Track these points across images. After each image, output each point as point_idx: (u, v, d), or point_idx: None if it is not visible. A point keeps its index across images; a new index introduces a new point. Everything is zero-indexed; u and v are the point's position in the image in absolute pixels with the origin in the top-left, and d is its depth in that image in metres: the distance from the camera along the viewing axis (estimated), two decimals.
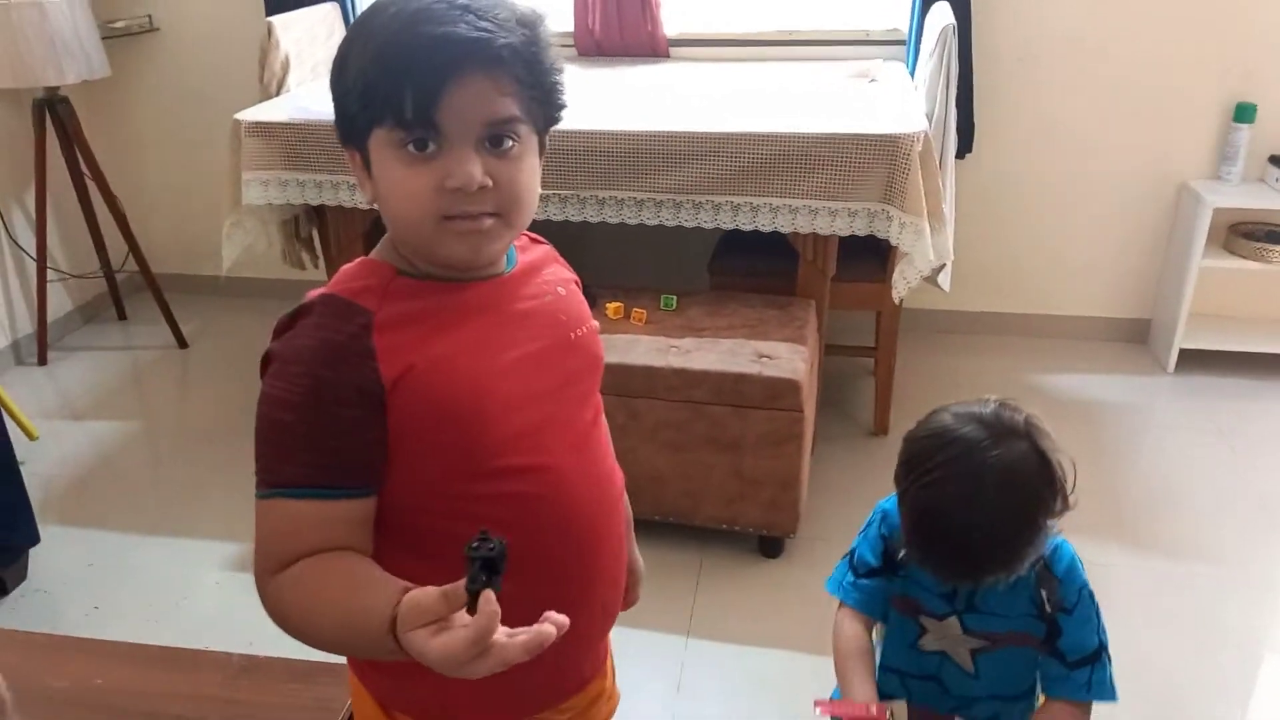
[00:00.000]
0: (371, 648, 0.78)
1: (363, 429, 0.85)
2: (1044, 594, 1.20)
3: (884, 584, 1.29)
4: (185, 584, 2.29)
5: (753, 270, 2.66)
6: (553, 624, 0.75)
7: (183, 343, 3.44)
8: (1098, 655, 1.21)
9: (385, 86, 0.82)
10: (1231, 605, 2.16)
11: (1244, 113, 2.90)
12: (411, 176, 0.84)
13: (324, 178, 2.48)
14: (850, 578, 1.32)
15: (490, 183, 0.85)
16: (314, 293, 0.91)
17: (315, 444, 0.85)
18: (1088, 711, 1.22)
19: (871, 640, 1.31)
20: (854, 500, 2.42)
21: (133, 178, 3.66)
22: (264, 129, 2.49)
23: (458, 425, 0.88)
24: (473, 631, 0.71)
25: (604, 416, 1.04)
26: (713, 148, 2.27)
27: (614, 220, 2.40)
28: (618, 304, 2.38)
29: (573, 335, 0.98)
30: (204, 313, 3.60)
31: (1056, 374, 3.10)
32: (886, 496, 1.29)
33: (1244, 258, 2.93)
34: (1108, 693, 1.22)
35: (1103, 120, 3.03)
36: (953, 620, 1.25)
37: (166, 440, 2.91)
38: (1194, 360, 3.05)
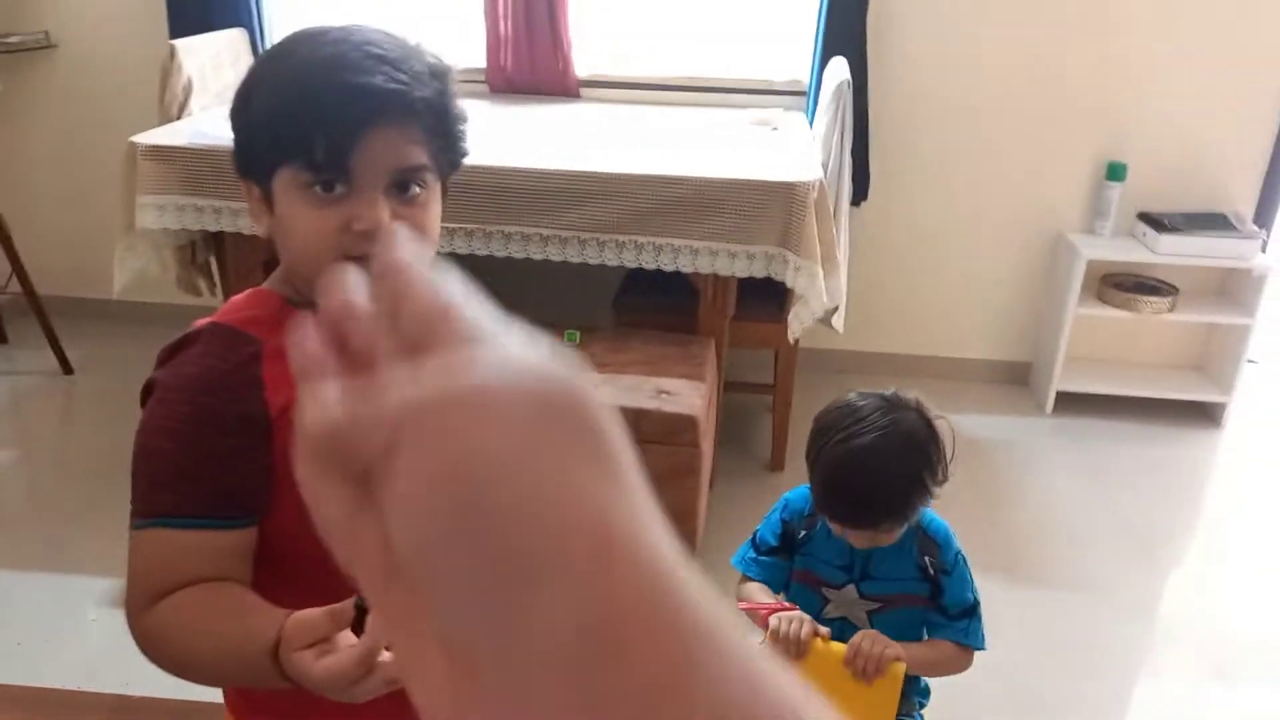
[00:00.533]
0: (254, 675, 0.78)
1: (246, 458, 0.85)
2: (926, 559, 1.44)
3: (784, 562, 1.50)
4: (62, 622, 2.20)
5: (655, 308, 2.71)
6: None
7: (67, 368, 3.31)
8: (974, 609, 1.44)
9: (298, 130, 0.83)
10: (1103, 629, 2.28)
11: (1115, 171, 3.09)
12: (317, 217, 0.85)
13: (223, 204, 2.44)
14: (752, 554, 1.52)
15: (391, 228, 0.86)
16: (200, 322, 0.91)
17: (197, 472, 0.84)
18: (966, 653, 1.44)
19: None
20: (751, 532, 2.48)
21: (20, 195, 3.53)
22: (162, 152, 2.44)
23: None
24: (359, 650, 0.72)
25: None
26: (619, 188, 2.32)
27: (520, 255, 2.42)
28: None
29: None
30: (92, 338, 3.48)
31: (944, 413, 3.22)
32: (791, 489, 1.54)
33: (1115, 307, 3.11)
34: (980, 641, 1.44)
35: (988, 173, 3.19)
36: (850, 588, 1.46)
37: (46, 471, 2.79)
38: (1070, 402, 3.22)
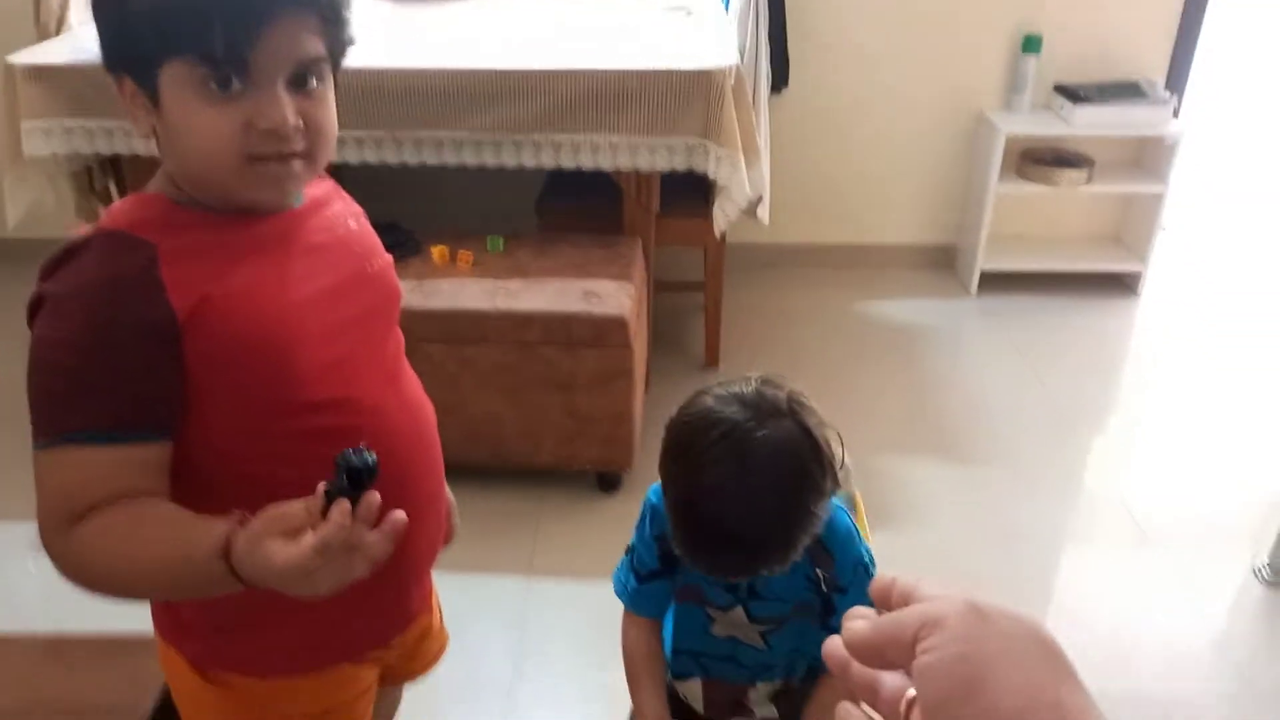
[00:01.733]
0: (199, 581, 0.77)
1: (154, 367, 0.81)
2: (819, 573, 1.16)
3: (666, 583, 1.24)
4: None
5: (579, 210, 2.66)
6: (398, 519, 0.75)
7: None
8: None
9: (193, 20, 0.77)
10: (1027, 504, 2.36)
11: (1030, 43, 3.08)
12: (216, 116, 0.80)
13: (115, 124, 2.30)
14: (633, 582, 1.25)
15: (301, 123, 0.83)
16: (83, 229, 0.85)
17: (103, 385, 0.80)
18: None
19: (660, 637, 1.28)
20: None
21: None
22: (43, 72, 2.28)
23: (263, 360, 0.85)
24: (317, 539, 0.70)
25: (403, 352, 1.04)
26: (531, 85, 2.24)
27: (433, 162, 2.34)
28: (442, 248, 2.34)
29: (369, 268, 0.97)
30: None
31: (873, 301, 3.27)
32: (654, 485, 1.20)
33: (1034, 181, 3.14)
34: None
35: (905, 53, 3.16)
36: (738, 610, 1.21)
37: None
38: (994, 281, 3.27)
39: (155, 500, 0.82)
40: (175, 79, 0.80)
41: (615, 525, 2.29)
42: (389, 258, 1.02)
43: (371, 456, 0.72)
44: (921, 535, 2.24)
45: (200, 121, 0.81)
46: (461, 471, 2.30)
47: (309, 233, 0.93)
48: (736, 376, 1.09)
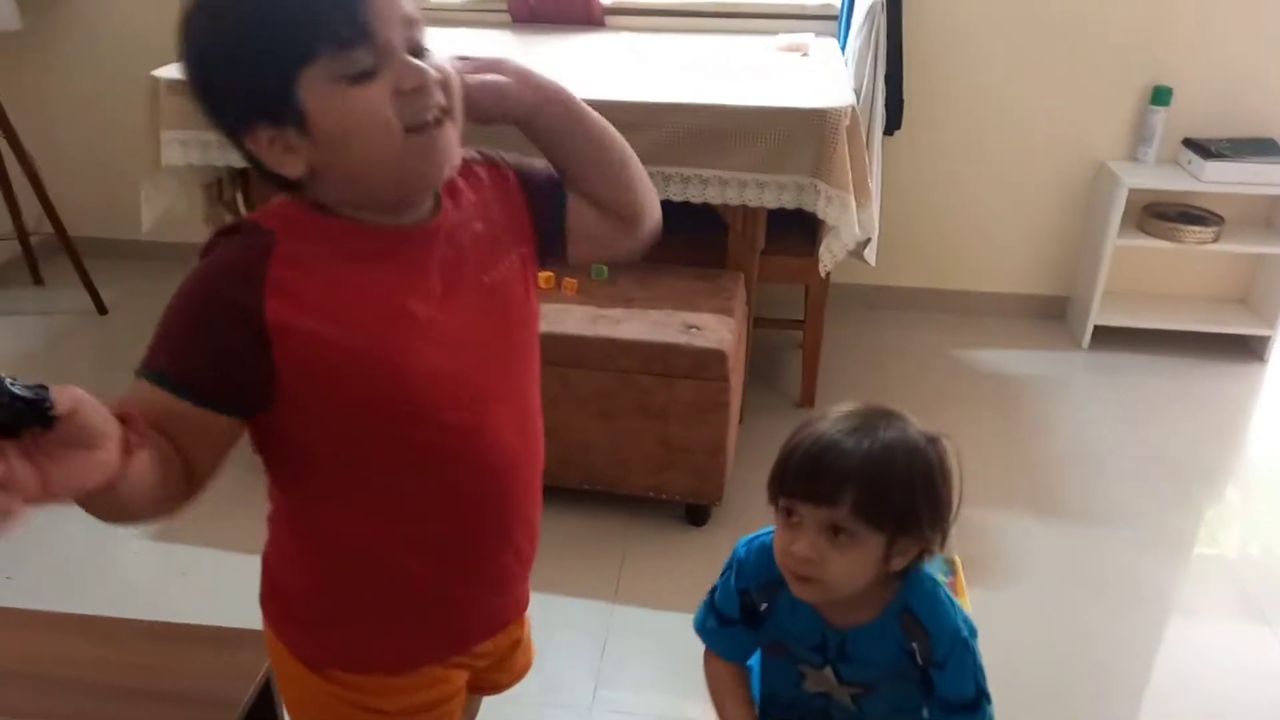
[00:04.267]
0: None
1: (235, 352, 0.83)
2: (914, 645, 1.13)
3: (749, 632, 1.23)
4: (104, 554, 2.25)
5: (684, 242, 2.67)
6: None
7: (102, 309, 3.35)
8: (976, 703, 1.15)
9: (304, 14, 0.78)
10: (1141, 565, 2.26)
11: (1160, 95, 2.99)
12: (366, 97, 0.80)
13: None
14: (713, 622, 1.24)
15: (437, 74, 0.84)
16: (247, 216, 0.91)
17: (186, 346, 0.84)
18: None
19: (746, 677, 1.27)
20: None
21: (46, 136, 3.53)
22: (184, 87, 2.42)
23: (358, 372, 0.86)
24: None
25: (536, 362, 1.04)
26: (645, 118, 2.27)
27: None
28: (549, 273, 2.38)
29: (487, 279, 0.95)
30: (124, 278, 3.50)
31: (978, 349, 3.19)
32: (742, 538, 1.23)
33: (1157, 237, 3.03)
34: None
35: (1026, 100, 3.10)
36: (827, 671, 1.20)
37: None
38: (1107, 337, 3.16)
39: (163, 446, 0.81)
40: (313, 87, 0.79)
41: (701, 558, 2.28)
42: (516, 261, 0.99)
43: (47, 404, 0.63)
44: (1019, 592, 2.17)
45: (355, 108, 0.80)
46: (552, 492, 2.34)
47: (435, 244, 0.92)
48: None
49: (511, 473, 0.99)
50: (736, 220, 2.44)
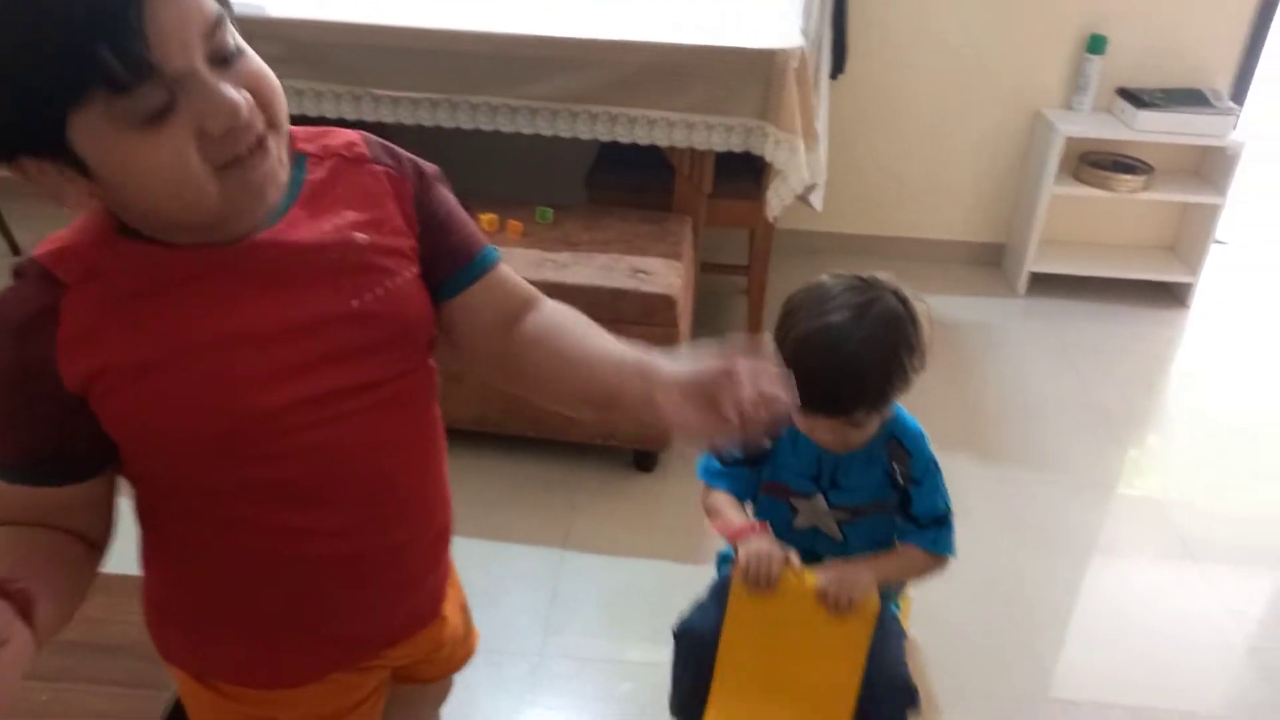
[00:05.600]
0: None
1: (57, 420, 0.74)
2: (896, 468, 1.36)
3: (750, 472, 1.42)
4: None
5: (630, 185, 2.63)
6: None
7: None
8: (945, 518, 1.38)
9: (72, 46, 0.61)
10: (1072, 507, 2.33)
11: (1096, 44, 3.02)
12: (161, 144, 0.66)
13: None
14: (715, 465, 1.44)
15: (250, 98, 0.69)
16: (39, 247, 0.75)
17: (8, 427, 0.75)
18: (935, 560, 1.41)
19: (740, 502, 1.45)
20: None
21: None
22: None
23: (200, 419, 0.76)
24: None
25: (419, 366, 0.90)
26: (590, 55, 2.22)
27: (487, 128, 2.32)
28: (492, 215, 2.32)
29: (356, 304, 0.80)
30: None
31: (919, 295, 3.22)
32: None
33: (1091, 185, 3.09)
34: (949, 549, 1.40)
35: (966, 48, 3.10)
36: (819, 498, 1.40)
37: None
38: (1042, 283, 3.22)
39: (29, 536, 0.76)
40: (88, 134, 0.65)
41: (650, 504, 2.28)
42: (401, 283, 0.84)
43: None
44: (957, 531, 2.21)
45: (149, 160, 0.66)
46: (501, 440, 2.32)
47: (267, 260, 0.77)
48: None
49: (387, 482, 0.88)
50: (684, 163, 2.40)
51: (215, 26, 0.67)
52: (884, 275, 1.31)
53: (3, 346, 0.73)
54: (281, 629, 0.92)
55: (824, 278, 1.30)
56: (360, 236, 0.81)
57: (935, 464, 1.38)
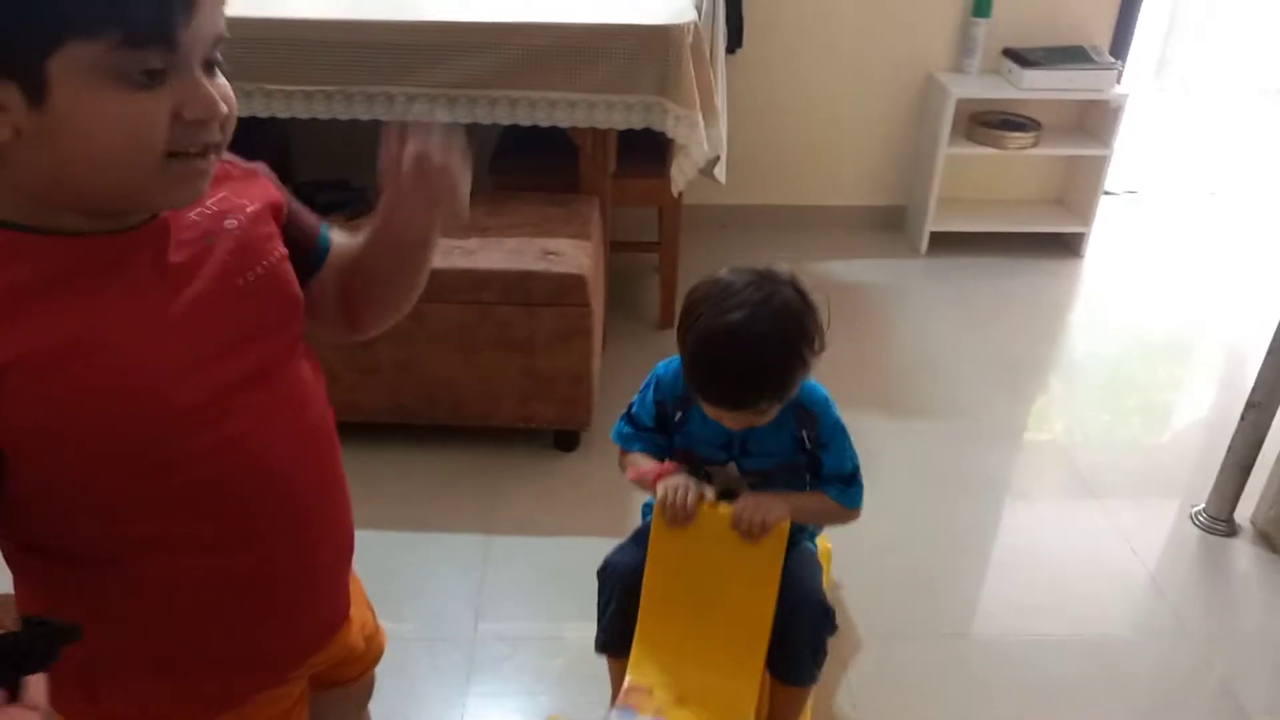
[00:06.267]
0: None
1: None
2: (804, 433, 1.42)
3: (663, 438, 1.48)
4: None
5: (535, 168, 2.63)
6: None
7: None
8: (853, 476, 1.45)
9: None
10: (981, 454, 2.43)
11: (981, 7, 3.11)
12: (138, 109, 0.67)
13: None
14: (629, 429, 1.50)
15: (225, 108, 0.73)
16: None
17: None
18: (845, 512, 1.48)
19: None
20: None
21: None
22: None
23: (100, 418, 0.73)
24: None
25: (303, 355, 0.91)
26: (486, 38, 2.21)
27: (385, 118, 2.30)
28: None
29: (241, 282, 0.82)
30: None
31: (825, 261, 3.30)
32: (662, 361, 1.48)
33: (983, 144, 3.19)
34: (856, 503, 1.47)
35: (856, 17, 3.16)
36: (731, 465, 1.45)
37: None
38: (942, 242, 3.33)
39: None
40: (74, 67, 0.64)
41: (574, 483, 2.31)
42: (278, 255, 0.87)
43: (51, 628, 0.60)
44: (869, 486, 2.27)
45: (115, 118, 0.66)
46: (419, 431, 2.32)
47: (166, 247, 0.78)
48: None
49: (291, 477, 0.87)
50: (586, 143, 2.42)
51: (219, 39, 0.73)
52: (782, 267, 1.34)
53: None
54: (197, 659, 0.89)
55: (724, 272, 1.33)
56: (231, 221, 0.84)
57: (841, 427, 1.44)
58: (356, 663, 1.11)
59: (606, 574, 1.49)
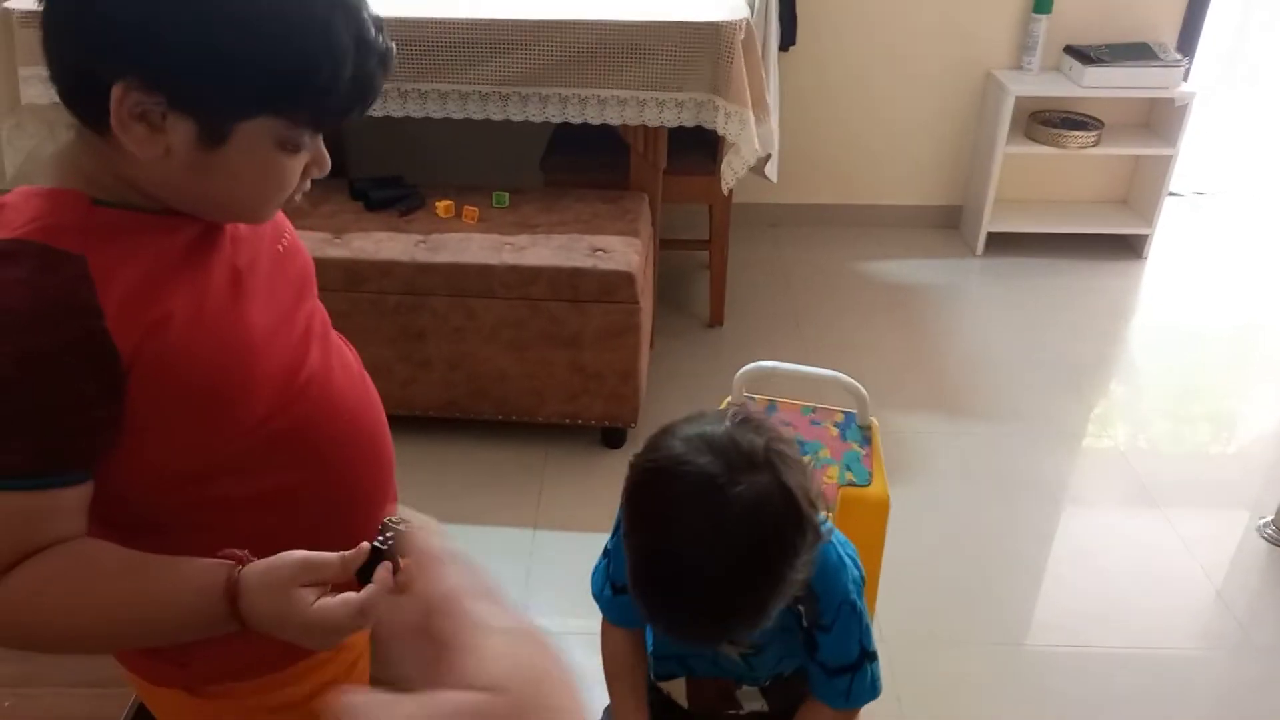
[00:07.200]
0: (182, 622, 0.75)
1: (86, 403, 0.73)
2: (802, 610, 1.09)
3: None
4: None
5: (585, 165, 2.63)
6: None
7: None
8: (859, 664, 1.13)
9: (334, 84, 0.74)
10: (1039, 458, 2.37)
11: (1042, 3, 3.04)
12: (287, 168, 0.79)
13: None
14: (609, 592, 1.21)
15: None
16: None
17: (26, 424, 0.71)
18: (854, 714, 1.17)
19: (642, 645, 1.24)
20: (691, 390, 2.49)
21: None
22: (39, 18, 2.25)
23: (222, 375, 0.79)
24: (363, 600, 0.71)
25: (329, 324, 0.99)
26: (538, 35, 2.21)
27: (438, 115, 2.31)
28: (448, 202, 2.32)
29: (280, 248, 0.91)
30: None
31: (878, 261, 3.25)
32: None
33: (1042, 143, 3.12)
34: (866, 696, 1.15)
35: (914, 13, 3.11)
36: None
37: None
38: (1000, 242, 3.26)
39: (93, 542, 0.75)
40: (257, 131, 0.74)
41: (619, 481, 2.28)
42: (291, 230, 0.96)
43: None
44: (925, 487, 2.25)
45: (269, 173, 0.78)
46: (467, 425, 2.33)
47: (228, 226, 0.86)
48: (709, 412, 1.00)
49: (354, 421, 0.92)
50: (638, 140, 2.41)
51: None
52: (755, 433, 0.94)
53: (39, 328, 0.70)
54: None
55: (676, 445, 0.94)
56: None
57: (851, 605, 1.10)
58: None
59: None
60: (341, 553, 0.73)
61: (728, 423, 0.95)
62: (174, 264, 0.77)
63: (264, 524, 0.85)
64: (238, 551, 0.77)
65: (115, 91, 0.69)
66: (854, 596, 1.10)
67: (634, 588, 0.97)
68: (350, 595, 0.71)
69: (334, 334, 0.97)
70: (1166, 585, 2.02)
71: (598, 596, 1.22)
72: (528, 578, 2.00)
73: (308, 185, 0.84)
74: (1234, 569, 2.06)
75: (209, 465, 0.82)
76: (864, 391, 1.46)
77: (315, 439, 0.88)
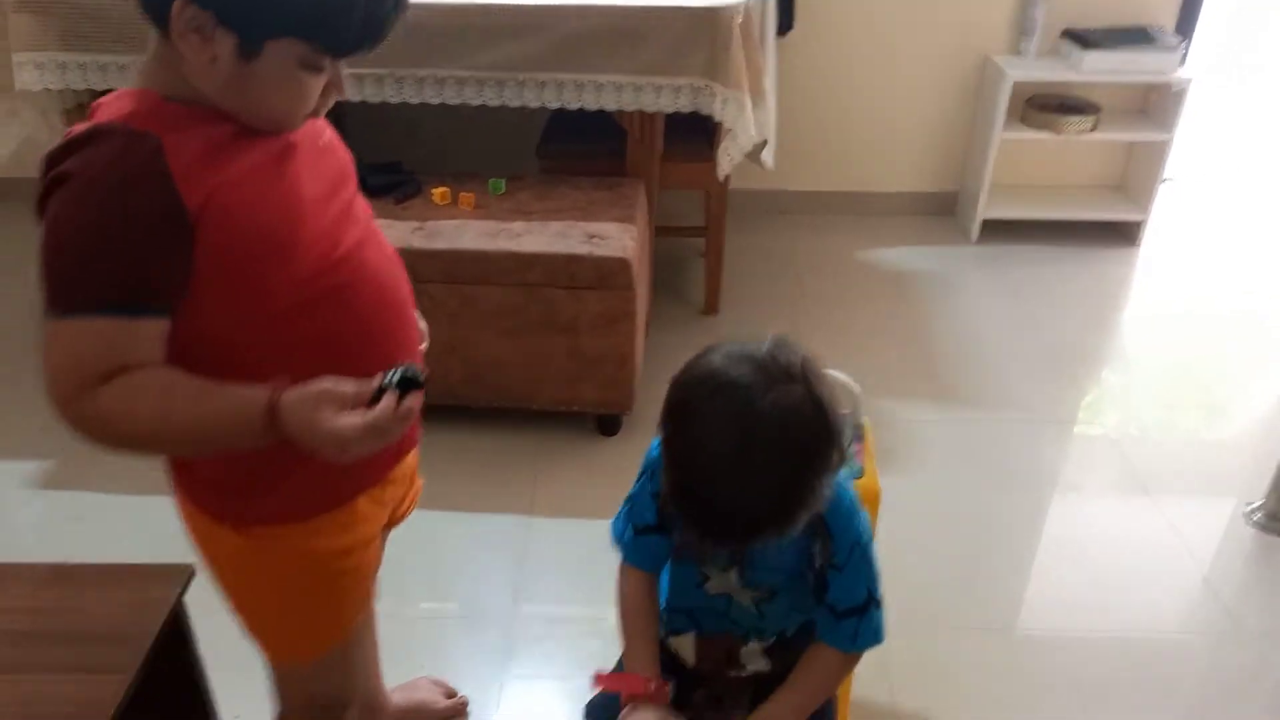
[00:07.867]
0: (234, 432, 0.92)
1: (164, 255, 0.89)
2: (817, 549, 1.14)
3: (663, 539, 1.23)
4: None
5: (581, 152, 2.63)
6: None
7: None
8: (865, 607, 1.16)
9: (343, 16, 0.88)
10: (1032, 445, 2.39)
11: None
12: (308, 86, 0.94)
13: (109, 59, 2.26)
14: (630, 534, 1.24)
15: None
16: (79, 127, 0.90)
17: (115, 267, 0.88)
18: (856, 658, 1.21)
19: (656, 591, 1.27)
20: None
21: None
22: (36, 4, 2.24)
23: (271, 239, 0.94)
24: (370, 417, 0.89)
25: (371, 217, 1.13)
26: (534, 21, 2.20)
27: (434, 101, 2.31)
28: (444, 189, 2.32)
29: (321, 142, 1.06)
30: None
31: (873, 247, 3.26)
32: (656, 439, 1.11)
33: (1039, 129, 3.11)
34: (871, 641, 1.18)
35: None
36: (732, 572, 1.21)
37: None
38: (995, 229, 3.26)
39: (170, 367, 0.92)
40: (283, 51, 0.90)
41: (614, 467, 2.31)
42: (331, 131, 1.10)
43: (423, 375, 0.91)
44: (918, 474, 2.27)
45: (295, 88, 0.93)
46: (463, 412, 2.34)
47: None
48: (750, 335, 1.04)
49: (393, 293, 1.09)
50: (634, 126, 2.40)
51: None
52: (792, 351, 1.01)
53: (113, 189, 0.87)
54: (322, 467, 1.01)
55: (716, 359, 1.01)
56: None
57: (863, 547, 1.15)
58: (409, 499, 1.30)
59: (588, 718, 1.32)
60: (357, 381, 0.91)
61: (767, 343, 1.03)
62: (229, 142, 0.93)
63: (303, 368, 0.97)
64: (279, 381, 0.92)
65: (175, 6, 0.87)
66: (865, 540, 1.15)
67: (671, 492, 1.04)
68: (361, 411, 0.89)
69: (375, 224, 1.11)
70: (1156, 571, 2.03)
71: (619, 539, 1.27)
72: (523, 565, 2.02)
73: (330, 103, 0.98)
74: (1221, 555, 2.08)
75: (266, 312, 0.97)
76: (858, 389, 1.46)
77: (351, 300, 1.02)
